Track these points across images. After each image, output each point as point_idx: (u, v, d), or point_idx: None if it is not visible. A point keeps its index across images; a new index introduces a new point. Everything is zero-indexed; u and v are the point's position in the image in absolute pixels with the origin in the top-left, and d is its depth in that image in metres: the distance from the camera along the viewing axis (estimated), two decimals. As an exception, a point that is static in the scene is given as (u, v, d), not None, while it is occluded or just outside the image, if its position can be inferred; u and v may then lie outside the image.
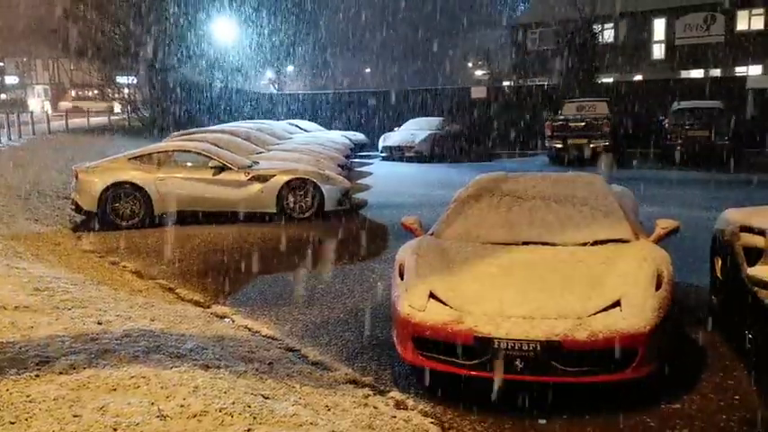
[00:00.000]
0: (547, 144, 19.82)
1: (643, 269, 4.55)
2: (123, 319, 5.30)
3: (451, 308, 4.38)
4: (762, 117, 20.22)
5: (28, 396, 3.46)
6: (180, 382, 3.83)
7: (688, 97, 20.57)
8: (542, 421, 4.09)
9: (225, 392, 3.74)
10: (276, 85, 44.74)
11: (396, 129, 23.27)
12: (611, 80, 29.63)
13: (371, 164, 20.58)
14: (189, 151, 11.52)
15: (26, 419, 3.22)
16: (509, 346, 4.11)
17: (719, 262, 5.88)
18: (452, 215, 5.83)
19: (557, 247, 5.15)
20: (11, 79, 59.82)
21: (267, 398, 3.82)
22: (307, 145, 16.74)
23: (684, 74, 32.73)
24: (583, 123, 19.03)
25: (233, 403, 3.57)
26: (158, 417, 3.31)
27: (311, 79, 50.72)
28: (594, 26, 29.58)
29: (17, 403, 3.37)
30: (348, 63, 59.68)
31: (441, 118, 23.60)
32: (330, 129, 24.43)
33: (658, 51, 35.82)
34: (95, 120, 28.81)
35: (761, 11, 32.04)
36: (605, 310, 4.23)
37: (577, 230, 5.35)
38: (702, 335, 5.41)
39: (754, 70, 30.83)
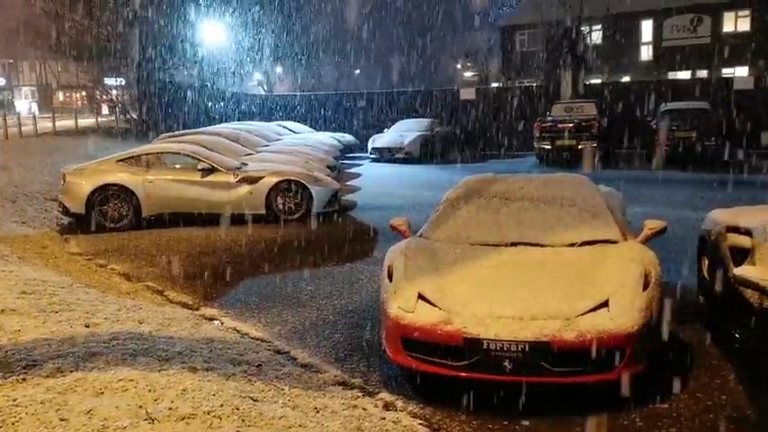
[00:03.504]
0: (535, 145, 19.89)
1: (631, 270, 4.57)
2: (111, 321, 5.27)
3: (440, 309, 4.39)
4: (748, 117, 20.35)
5: (14, 400, 3.43)
6: (168, 384, 3.82)
7: (675, 98, 20.70)
8: (528, 422, 4.10)
9: (213, 395, 3.72)
10: (265, 87, 44.68)
11: (385, 130, 23.29)
12: (599, 81, 29.78)
13: (361, 165, 20.58)
14: (177, 153, 11.49)
15: (12, 423, 3.19)
16: (498, 347, 4.12)
17: (706, 262, 5.92)
18: (441, 216, 5.83)
19: (545, 248, 5.16)
20: (-2, 80, 59.50)
21: (256, 400, 3.81)
22: (295, 147, 16.72)
23: (672, 75, 32.95)
24: (571, 124, 19.11)
25: (221, 406, 3.56)
26: (146, 420, 3.29)
27: (300, 81, 50.65)
28: (582, 28, 29.72)
29: (3, 407, 3.34)
30: (337, 64, 59.67)
31: (430, 119, 23.65)
32: (319, 130, 24.40)
33: (646, 53, 36.05)
34: (83, 121, 28.64)
35: (746, 12, 32.29)
36: (593, 310, 4.25)
37: (565, 231, 5.37)
38: (690, 334, 5.44)
39: (741, 71, 31.07)
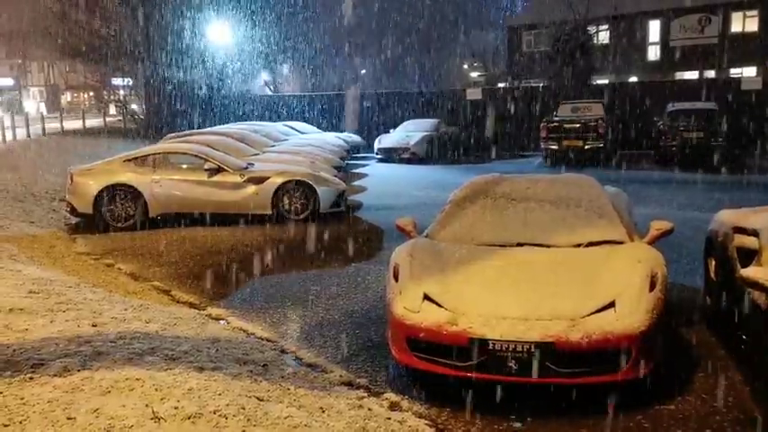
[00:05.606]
0: (542, 145, 19.84)
1: (637, 270, 4.56)
2: (118, 321, 5.29)
3: (446, 309, 4.39)
4: (756, 118, 20.26)
5: (22, 398, 3.46)
6: (174, 384, 3.83)
7: (683, 99, 20.62)
8: (534, 423, 4.10)
9: (219, 394, 3.74)
10: (271, 87, 44.72)
11: (391, 130, 23.28)
12: (606, 81, 29.68)
13: (367, 165, 20.57)
14: (184, 153, 11.52)
15: (20, 422, 3.21)
16: (503, 348, 4.12)
17: (713, 263, 5.90)
18: (447, 216, 5.83)
19: (551, 249, 5.16)
20: (6, 81, 59.72)
21: (261, 400, 3.82)
22: (302, 147, 16.73)
23: (679, 75, 32.82)
24: (578, 125, 19.05)
25: (227, 405, 3.57)
26: (152, 419, 3.31)
27: (306, 81, 50.67)
28: (590, 27, 29.61)
29: (11, 406, 3.37)
30: (343, 64, 59.66)
31: (436, 119, 23.61)
32: (325, 130, 24.40)
33: (653, 53, 35.90)
34: (90, 122, 28.76)
35: (755, 12, 32.13)
36: (599, 311, 4.24)
37: (572, 232, 5.37)
38: (696, 336, 5.42)
39: (749, 72, 30.92)
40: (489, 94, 26.23)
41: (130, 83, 32.01)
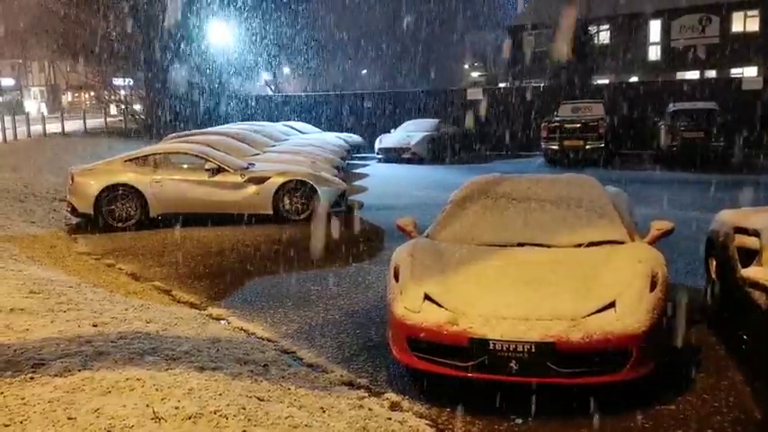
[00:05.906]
0: (543, 145, 19.83)
1: (638, 270, 4.55)
2: (119, 321, 5.29)
3: (446, 309, 4.39)
4: (757, 118, 20.23)
5: (23, 398, 3.46)
6: (175, 384, 3.83)
7: (683, 99, 20.60)
8: (534, 423, 4.09)
9: (220, 394, 3.74)
10: (272, 87, 44.72)
11: (392, 130, 23.27)
12: (606, 81, 29.67)
13: (368, 165, 20.57)
14: (185, 153, 11.52)
15: (20, 422, 3.21)
16: (504, 348, 4.11)
17: (714, 263, 5.90)
18: (447, 217, 5.83)
19: (552, 249, 5.16)
20: (7, 81, 59.74)
21: (262, 400, 3.82)
22: (302, 147, 16.72)
23: (680, 75, 32.82)
24: (578, 125, 19.05)
25: (228, 405, 3.57)
26: (153, 419, 3.31)
27: (307, 81, 50.66)
28: (590, 28, 29.62)
29: (12, 406, 3.37)
30: (344, 65, 59.66)
31: (437, 119, 23.59)
32: (326, 130, 24.39)
33: (654, 53, 35.92)
34: (91, 122, 28.76)
35: (755, 12, 32.14)
36: (600, 311, 4.24)
37: (572, 232, 5.36)
38: (697, 335, 5.42)
39: (750, 71, 30.92)
40: (490, 93, 26.20)
41: (131, 83, 31.99)
